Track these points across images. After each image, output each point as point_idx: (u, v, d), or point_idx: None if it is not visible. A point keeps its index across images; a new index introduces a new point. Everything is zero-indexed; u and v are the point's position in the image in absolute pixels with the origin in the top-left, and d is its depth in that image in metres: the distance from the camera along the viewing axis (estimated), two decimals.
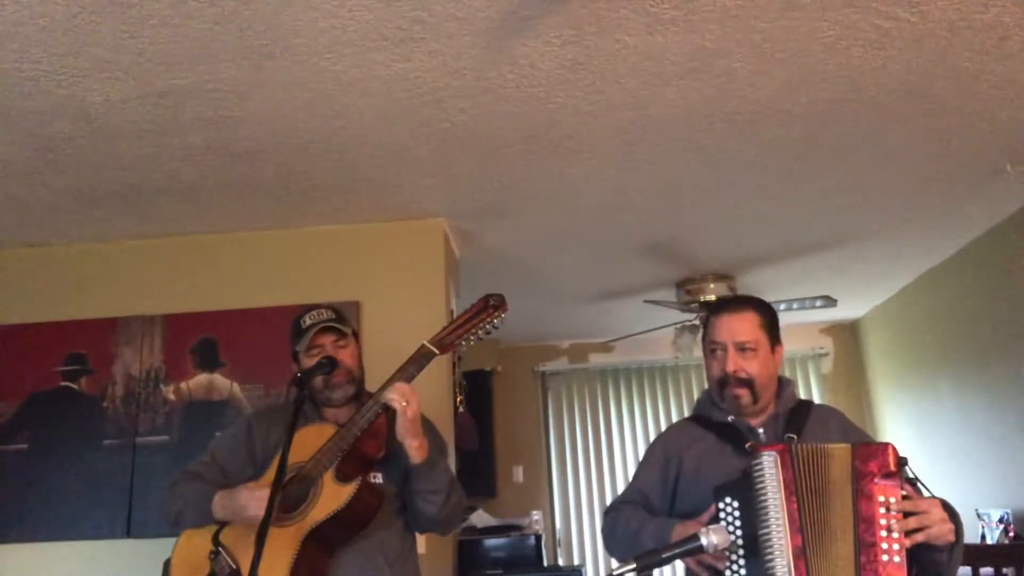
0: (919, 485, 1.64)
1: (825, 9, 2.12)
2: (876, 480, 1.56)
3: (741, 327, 1.89)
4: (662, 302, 4.58)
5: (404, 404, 1.88)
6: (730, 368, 1.86)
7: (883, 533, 1.53)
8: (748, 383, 1.86)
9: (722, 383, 1.88)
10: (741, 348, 1.87)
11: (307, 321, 2.11)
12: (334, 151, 2.80)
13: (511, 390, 6.04)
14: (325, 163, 2.88)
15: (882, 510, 1.54)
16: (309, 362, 2.07)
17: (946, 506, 1.61)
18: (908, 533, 1.53)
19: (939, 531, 1.55)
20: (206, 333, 3.36)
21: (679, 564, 2.10)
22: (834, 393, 5.90)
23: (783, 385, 1.96)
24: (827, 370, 6.03)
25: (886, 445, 1.60)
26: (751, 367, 1.86)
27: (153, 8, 1.97)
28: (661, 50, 2.27)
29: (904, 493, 1.57)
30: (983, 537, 4.02)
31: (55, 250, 3.51)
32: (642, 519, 1.86)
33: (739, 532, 1.61)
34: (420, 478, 1.97)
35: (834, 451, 1.62)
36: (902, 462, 1.59)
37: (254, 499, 1.82)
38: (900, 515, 1.54)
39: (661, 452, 1.98)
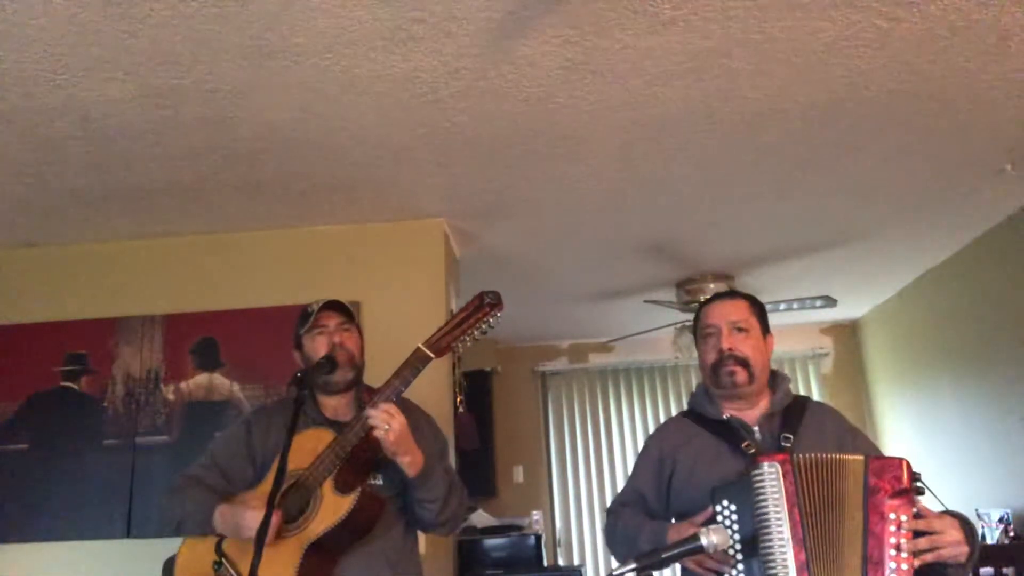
0: (934, 497, 1.62)
1: (825, 9, 2.12)
2: (889, 496, 1.54)
3: (734, 309, 1.92)
4: (662, 302, 4.58)
5: (386, 429, 1.84)
6: (725, 345, 1.87)
7: (892, 552, 1.50)
8: (744, 362, 1.86)
9: (717, 365, 1.88)
10: (735, 328, 1.89)
11: (313, 306, 2.11)
12: (334, 151, 2.79)
13: (511, 390, 6.04)
14: (325, 163, 2.88)
15: (892, 527, 1.52)
16: (311, 344, 2.06)
17: (962, 522, 1.58)
18: (918, 552, 1.51)
19: (950, 552, 1.53)
20: (206, 333, 3.36)
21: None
22: (834, 393, 5.89)
23: (778, 381, 1.95)
24: (827, 370, 6.02)
25: (900, 460, 1.58)
26: (745, 347, 1.87)
27: (153, 8, 1.97)
28: (661, 50, 2.27)
29: (916, 510, 1.55)
30: (983, 537, 4.02)
31: (55, 250, 3.51)
32: (640, 522, 1.86)
33: (736, 536, 1.60)
34: (417, 488, 1.95)
35: (847, 463, 1.60)
36: (915, 477, 1.56)
37: (252, 520, 1.78)
38: (910, 534, 1.52)
39: (656, 450, 1.98)
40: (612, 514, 1.97)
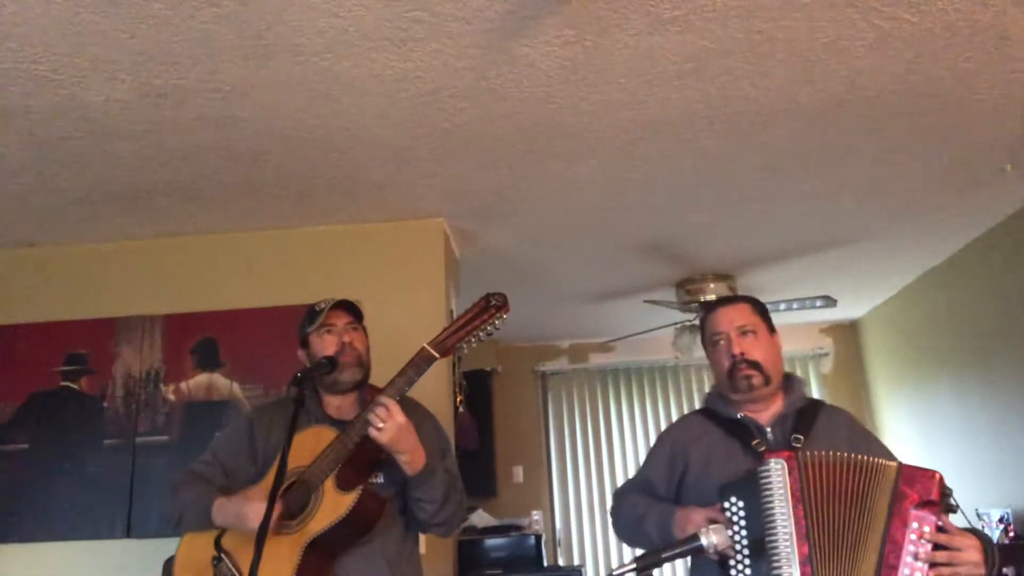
0: (963, 516, 1.62)
1: (825, 9, 2.12)
2: (915, 505, 1.55)
3: (738, 314, 1.95)
4: (662, 302, 4.58)
5: (379, 427, 1.84)
6: (736, 350, 1.90)
7: (908, 559, 1.52)
8: (756, 365, 1.88)
9: (732, 370, 1.90)
10: (742, 332, 1.92)
11: (322, 305, 2.10)
12: (334, 151, 2.80)
13: (511, 390, 6.04)
14: (325, 163, 2.88)
15: (913, 536, 1.54)
16: (318, 341, 2.06)
17: (985, 544, 1.59)
18: (934, 564, 1.53)
19: (967, 571, 1.54)
20: (206, 333, 3.36)
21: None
22: (834, 393, 5.90)
23: (793, 383, 1.97)
24: (827, 370, 6.03)
25: (933, 473, 1.59)
26: (755, 350, 1.90)
27: (153, 8, 1.97)
28: (661, 50, 2.27)
29: (941, 524, 1.56)
30: None
31: (55, 250, 3.51)
32: (647, 504, 1.90)
33: (744, 532, 1.62)
34: (415, 487, 1.96)
35: (870, 464, 1.62)
36: (947, 493, 1.58)
37: (255, 511, 1.79)
38: (931, 546, 1.53)
39: (669, 445, 2.01)
40: (619, 496, 2.01)
